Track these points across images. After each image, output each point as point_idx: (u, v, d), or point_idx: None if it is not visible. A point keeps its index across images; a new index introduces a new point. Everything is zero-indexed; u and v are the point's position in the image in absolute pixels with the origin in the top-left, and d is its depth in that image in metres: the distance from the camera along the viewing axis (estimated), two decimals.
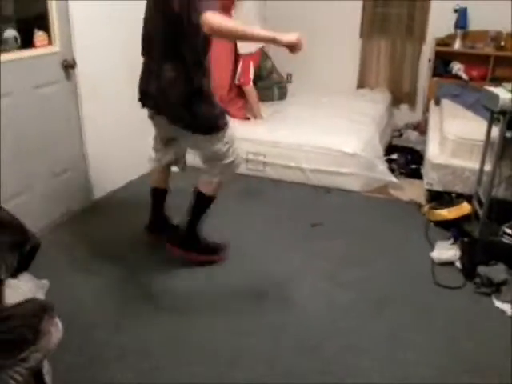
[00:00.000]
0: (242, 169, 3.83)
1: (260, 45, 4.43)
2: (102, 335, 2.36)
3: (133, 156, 4.00)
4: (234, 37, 2.63)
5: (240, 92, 4.65)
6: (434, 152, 3.65)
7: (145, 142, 4.11)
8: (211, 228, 2.99)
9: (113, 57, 3.62)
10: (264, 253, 3.08)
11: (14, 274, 1.87)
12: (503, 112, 2.76)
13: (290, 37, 2.27)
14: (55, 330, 1.70)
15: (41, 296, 2.61)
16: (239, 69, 4.51)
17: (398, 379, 2.13)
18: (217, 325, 2.44)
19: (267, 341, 2.34)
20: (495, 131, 3.07)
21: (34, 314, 1.70)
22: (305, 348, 2.30)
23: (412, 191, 3.97)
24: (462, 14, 4.80)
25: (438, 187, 3.57)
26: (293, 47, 2.30)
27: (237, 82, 4.55)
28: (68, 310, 2.33)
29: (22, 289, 2.53)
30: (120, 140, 3.82)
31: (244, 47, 4.43)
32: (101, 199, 3.71)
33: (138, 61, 3.81)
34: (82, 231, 3.27)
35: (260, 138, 4.16)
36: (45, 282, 2.71)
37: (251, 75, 4.51)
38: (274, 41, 2.30)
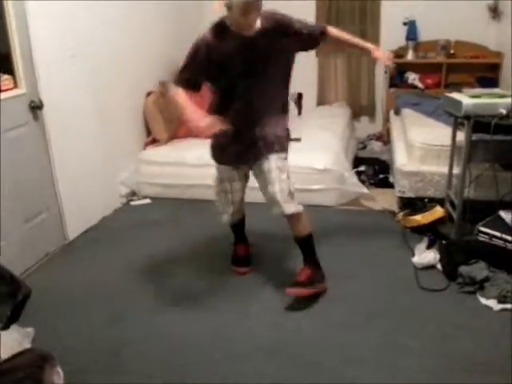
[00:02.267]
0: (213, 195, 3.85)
1: None
2: (95, 379, 2.30)
3: (104, 191, 3.97)
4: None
5: None
6: (402, 160, 3.76)
7: (114, 177, 4.12)
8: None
9: (78, 94, 3.60)
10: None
11: (7, 324, 1.82)
12: (467, 117, 2.88)
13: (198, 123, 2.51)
14: (57, 379, 1.66)
15: (27, 344, 2.54)
16: None
17: None
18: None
19: (267, 361, 2.34)
20: (459, 135, 3.20)
21: (35, 364, 1.66)
22: (304, 363, 2.31)
23: (384, 200, 4.07)
24: (411, 27, 5.01)
25: (409, 194, 3.67)
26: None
27: None
28: (56, 356, 2.25)
29: (8, 338, 2.45)
30: (90, 176, 3.78)
31: None
32: (76, 239, 3.64)
33: (103, 96, 3.85)
34: (61, 275, 3.19)
35: None
36: (30, 329, 2.63)
37: None
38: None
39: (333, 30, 2.72)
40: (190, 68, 2.58)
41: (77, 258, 3.40)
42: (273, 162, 2.64)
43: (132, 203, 4.25)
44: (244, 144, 2.67)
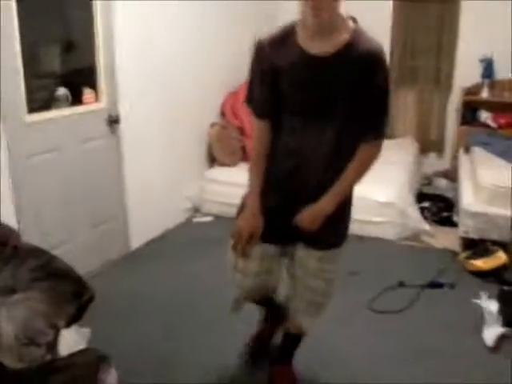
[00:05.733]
0: None
1: None
2: None
3: (169, 205, 4.11)
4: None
5: None
6: (469, 200, 3.67)
7: (180, 192, 4.26)
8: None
9: (151, 110, 3.77)
10: None
11: (70, 323, 1.93)
12: None
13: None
14: (112, 380, 1.74)
15: (83, 344, 2.65)
16: None
17: None
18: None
19: None
20: None
21: (92, 363, 1.75)
22: None
23: (445, 238, 3.97)
24: (487, 64, 4.91)
25: (473, 235, 3.57)
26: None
27: None
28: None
29: (66, 337, 2.57)
30: (157, 190, 3.93)
31: None
32: (139, 249, 3.78)
33: (175, 113, 4.01)
34: (121, 282, 3.33)
35: None
36: (86, 330, 2.74)
37: None
38: None
39: (367, 154, 1.90)
40: (257, 85, 1.89)
41: (138, 267, 3.53)
42: (314, 261, 1.98)
43: (194, 220, 4.37)
44: (286, 215, 1.91)
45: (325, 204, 1.85)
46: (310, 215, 1.85)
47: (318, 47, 1.72)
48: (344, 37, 1.70)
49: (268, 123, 1.88)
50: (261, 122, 1.90)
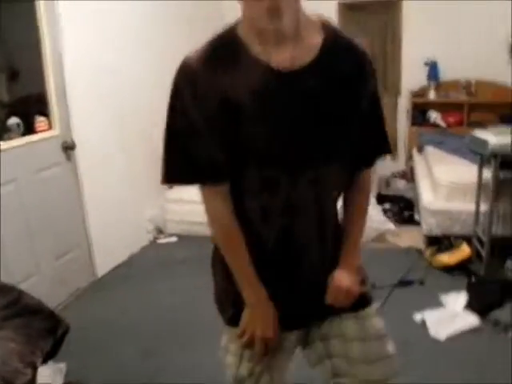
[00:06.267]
0: None
1: None
2: None
3: (132, 229, 4.04)
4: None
5: None
6: (428, 198, 3.77)
7: (141, 215, 4.18)
8: None
9: (105, 134, 3.70)
10: None
11: (46, 360, 1.86)
12: (494, 155, 2.90)
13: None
14: None
15: (60, 381, 2.56)
16: None
17: None
18: None
19: None
20: (485, 172, 3.22)
21: None
22: None
23: (409, 237, 4.06)
24: (432, 67, 5.09)
25: (436, 232, 3.66)
26: None
27: None
28: None
29: (42, 374, 2.48)
30: (118, 214, 3.85)
31: None
32: (105, 276, 3.69)
33: (128, 136, 3.94)
34: (91, 311, 3.23)
35: None
36: (62, 365, 2.65)
37: None
38: None
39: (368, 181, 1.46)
40: (193, 138, 1.22)
41: (106, 294, 3.44)
42: (353, 323, 1.41)
43: (158, 241, 4.30)
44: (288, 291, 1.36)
45: (351, 259, 1.40)
46: (342, 285, 1.36)
47: (284, 59, 1.16)
48: (316, 39, 1.21)
49: (226, 187, 1.26)
50: (216, 188, 1.26)
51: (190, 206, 4.29)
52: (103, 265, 3.70)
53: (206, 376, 2.51)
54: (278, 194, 1.25)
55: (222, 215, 1.29)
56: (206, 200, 1.30)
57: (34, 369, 1.72)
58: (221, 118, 1.18)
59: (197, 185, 1.29)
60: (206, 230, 4.36)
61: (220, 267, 1.38)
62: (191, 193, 4.62)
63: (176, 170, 1.28)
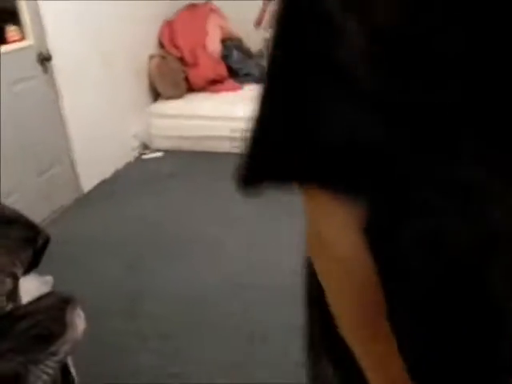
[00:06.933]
0: (227, 147, 3.84)
1: None
2: (117, 324, 2.36)
3: (117, 144, 3.97)
4: None
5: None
6: None
7: (126, 130, 4.10)
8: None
9: (84, 45, 3.53)
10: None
11: (28, 270, 1.86)
12: None
13: None
14: (79, 321, 1.70)
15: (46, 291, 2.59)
16: None
17: None
18: None
19: None
20: None
21: (57, 306, 1.69)
22: None
23: None
24: None
25: None
26: None
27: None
28: None
29: (28, 287, 2.50)
30: (102, 129, 3.77)
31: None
32: (90, 192, 3.66)
33: (108, 47, 3.75)
34: (76, 227, 3.23)
35: (244, 115, 4.14)
36: (48, 278, 2.66)
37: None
38: None
39: None
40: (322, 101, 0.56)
41: (91, 210, 3.43)
42: None
43: (144, 156, 4.25)
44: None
45: None
46: None
47: None
48: None
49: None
50: (345, 207, 0.59)
51: (175, 120, 4.22)
52: (88, 181, 3.66)
53: (189, 289, 2.56)
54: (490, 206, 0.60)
55: (358, 262, 0.61)
56: (325, 224, 0.62)
57: (15, 279, 1.72)
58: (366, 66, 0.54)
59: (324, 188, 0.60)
60: (192, 145, 4.21)
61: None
62: (176, 106, 4.56)
63: (281, 158, 0.63)
